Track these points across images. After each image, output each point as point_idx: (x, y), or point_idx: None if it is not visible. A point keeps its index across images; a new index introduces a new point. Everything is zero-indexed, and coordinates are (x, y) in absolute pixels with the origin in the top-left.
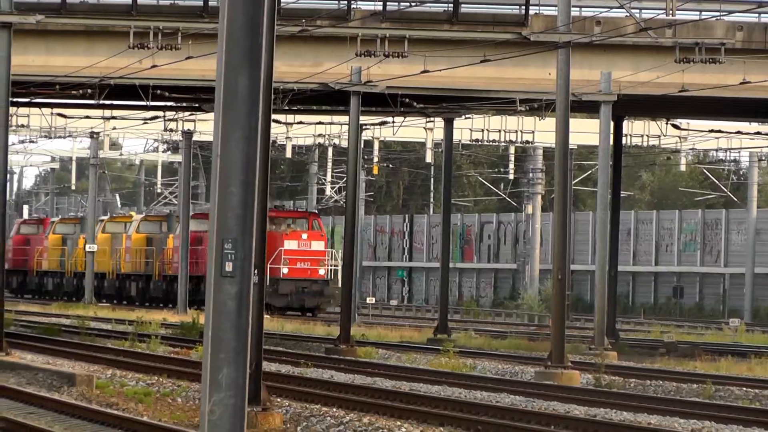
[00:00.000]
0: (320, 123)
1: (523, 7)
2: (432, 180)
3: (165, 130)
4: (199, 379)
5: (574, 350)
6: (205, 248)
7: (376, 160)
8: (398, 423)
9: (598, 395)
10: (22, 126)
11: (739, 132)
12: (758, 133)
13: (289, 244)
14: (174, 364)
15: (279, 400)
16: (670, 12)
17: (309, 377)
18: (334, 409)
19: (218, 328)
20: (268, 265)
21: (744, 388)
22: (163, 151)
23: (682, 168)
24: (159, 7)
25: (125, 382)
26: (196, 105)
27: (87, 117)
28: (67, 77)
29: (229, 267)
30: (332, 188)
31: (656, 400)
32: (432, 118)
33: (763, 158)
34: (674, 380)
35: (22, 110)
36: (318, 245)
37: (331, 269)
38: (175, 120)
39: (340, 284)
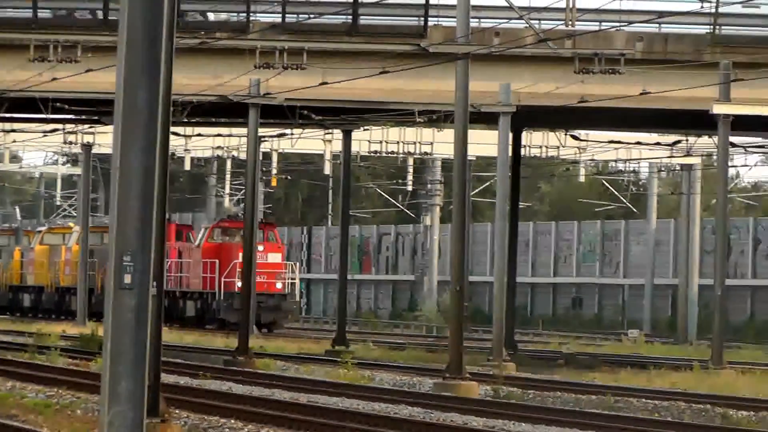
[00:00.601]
0: (219, 135)
1: (422, 19)
2: (330, 192)
3: (65, 142)
4: (99, 390)
5: (472, 362)
6: None
7: (274, 171)
8: None
9: (496, 407)
10: None
11: (638, 143)
12: (658, 143)
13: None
14: (74, 376)
15: (178, 411)
16: (570, 23)
17: (207, 389)
18: (232, 421)
19: (117, 340)
20: (222, 279)
21: (643, 400)
22: (62, 164)
23: (582, 179)
24: (59, 20)
25: (25, 393)
26: (96, 117)
27: None
28: None
29: (128, 279)
30: (231, 200)
31: (555, 412)
32: (330, 130)
33: (663, 169)
34: (573, 392)
35: None
36: (275, 257)
37: (289, 283)
38: (75, 133)
39: (297, 298)
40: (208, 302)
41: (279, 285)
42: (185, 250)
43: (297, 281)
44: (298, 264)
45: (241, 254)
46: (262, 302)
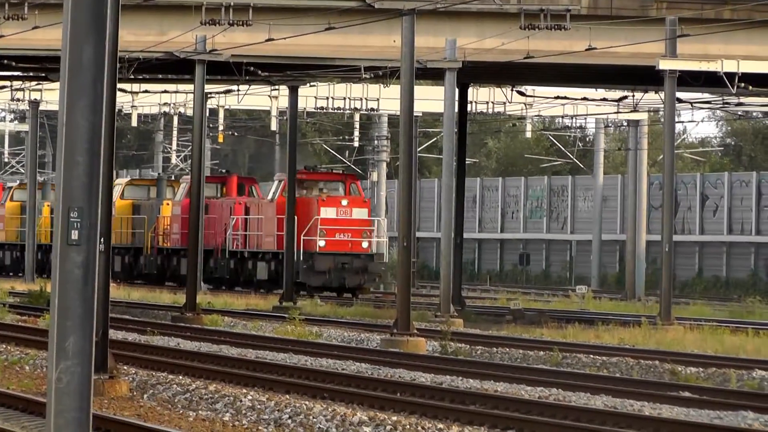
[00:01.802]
0: (165, 92)
1: None
2: (277, 148)
3: (12, 99)
4: (47, 347)
5: (420, 318)
6: (212, 217)
7: (221, 128)
8: (244, 391)
9: (444, 362)
10: None
11: (585, 98)
12: (604, 99)
13: (327, 212)
14: (22, 332)
15: (126, 367)
16: None
17: (155, 345)
18: (181, 377)
19: (64, 296)
20: (302, 237)
21: (591, 355)
22: (10, 121)
23: (528, 135)
24: None
25: None
26: (43, 74)
27: None
28: None
29: (75, 235)
30: (178, 156)
31: (503, 368)
32: (277, 86)
33: (609, 125)
34: (521, 347)
35: None
36: (360, 213)
37: (375, 241)
38: (23, 89)
39: (385, 259)
40: (283, 264)
41: (365, 244)
42: (253, 206)
43: (385, 240)
44: (384, 222)
45: (322, 209)
46: (346, 264)
